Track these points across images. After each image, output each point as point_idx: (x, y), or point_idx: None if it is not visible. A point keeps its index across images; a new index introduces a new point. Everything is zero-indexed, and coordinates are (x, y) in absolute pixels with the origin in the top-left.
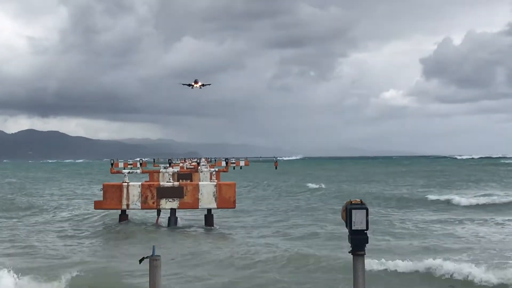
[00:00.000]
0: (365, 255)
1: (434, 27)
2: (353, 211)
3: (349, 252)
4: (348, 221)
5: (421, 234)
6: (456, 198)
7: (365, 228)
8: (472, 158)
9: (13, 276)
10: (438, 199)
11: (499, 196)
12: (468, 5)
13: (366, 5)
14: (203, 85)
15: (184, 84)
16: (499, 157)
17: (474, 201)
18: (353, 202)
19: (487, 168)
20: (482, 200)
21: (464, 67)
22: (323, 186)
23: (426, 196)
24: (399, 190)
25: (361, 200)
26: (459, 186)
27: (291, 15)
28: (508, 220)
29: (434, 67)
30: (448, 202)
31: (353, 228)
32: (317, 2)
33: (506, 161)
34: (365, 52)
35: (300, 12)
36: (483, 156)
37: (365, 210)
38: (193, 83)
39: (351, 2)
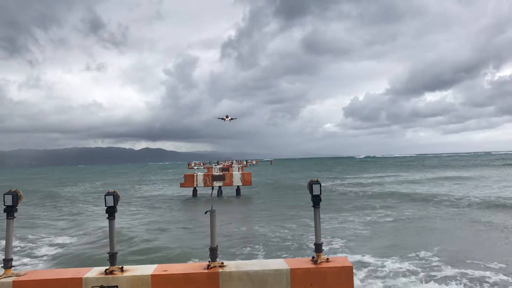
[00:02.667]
0: (319, 208)
1: (349, 91)
2: (313, 185)
3: (311, 206)
4: (310, 190)
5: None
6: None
7: (319, 193)
8: (367, 157)
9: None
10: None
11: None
12: (366, 80)
13: (314, 81)
14: (232, 119)
15: (219, 118)
16: (382, 157)
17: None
18: (313, 180)
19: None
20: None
21: (364, 111)
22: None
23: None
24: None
25: (317, 179)
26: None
27: (276, 88)
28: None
29: (349, 111)
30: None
31: (313, 194)
32: (289, 80)
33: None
34: (315, 105)
35: (280, 86)
36: (370, 155)
37: (319, 184)
38: (225, 117)
39: (307, 81)
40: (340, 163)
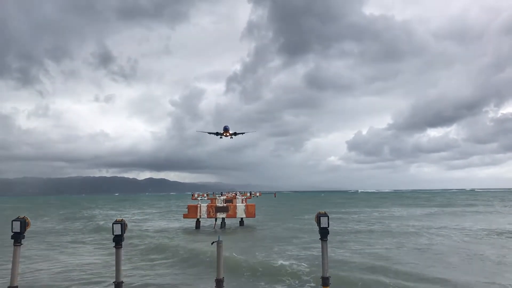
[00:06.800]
0: (327, 240)
1: (353, 125)
2: (321, 217)
3: (319, 239)
4: (318, 222)
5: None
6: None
7: (327, 226)
8: (372, 192)
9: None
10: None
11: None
12: (369, 114)
13: (318, 115)
14: (235, 133)
15: (211, 133)
16: (386, 191)
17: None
18: (320, 212)
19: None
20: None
21: (367, 145)
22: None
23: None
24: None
25: (325, 211)
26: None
27: (280, 120)
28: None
29: (353, 145)
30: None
31: (321, 226)
32: (293, 114)
33: (383, 194)
34: (319, 138)
35: (284, 119)
36: (376, 191)
37: (326, 217)
38: (222, 132)
39: (311, 114)
40: (342, 198)
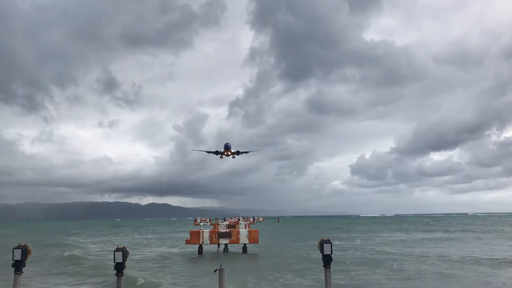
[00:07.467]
0: (330, 268)
1: (356, 149)
2: (324, 244)
3: (322, 266)
4: (321, 249)
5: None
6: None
7: (330, 253)
8: (373, 216)
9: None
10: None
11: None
12: (372, 138)
13: (320, 139)
14: (237, 152)
15: (209, 152)
16: (389, 216)
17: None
18: (323, 239)
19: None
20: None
21: (370, 169)
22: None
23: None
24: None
25: (328, 238)
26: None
27: (283, 145)
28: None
29: (356, 169)
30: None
31: (324, 253)
32: (296, 138)
33: (384, 219)
34: (322, 162)
35: (287, 143)
36: (378, 215)
37: (330, 244)
38: (222, 150)
39: (313, 138)
40: (340, 222)
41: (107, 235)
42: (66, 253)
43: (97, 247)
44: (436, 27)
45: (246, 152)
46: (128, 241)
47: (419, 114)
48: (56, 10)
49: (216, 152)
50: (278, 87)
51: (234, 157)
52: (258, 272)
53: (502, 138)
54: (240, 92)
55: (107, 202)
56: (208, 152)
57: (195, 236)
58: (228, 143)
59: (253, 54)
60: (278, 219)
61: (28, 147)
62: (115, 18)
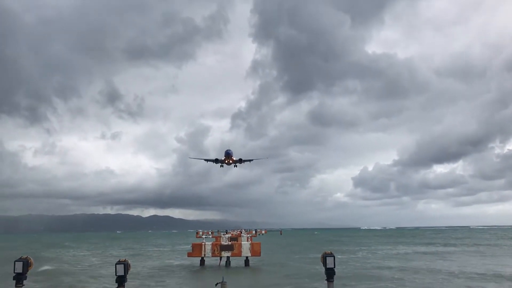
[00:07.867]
0: (333, 282)
1: (359, 161)
2: (327, 257)
3: (325, 280)
4: (324, 262)
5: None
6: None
7: (333, 267)
8: (373, 229)
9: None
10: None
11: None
12: (374, 150)
13: (323, 151)
14: (240, 161)
15: (208, 161)
16: (391, 229)
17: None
18: (326, 252)
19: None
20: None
21: (373, 182)
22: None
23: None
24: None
25: (330, 251)
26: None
27: (285, 157)
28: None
29: (359, 181)
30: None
31: (327, 267)
32: (298, 150)
33: (385, 232)
34: (325, 174)
35: (289, 155)
36: (381, 228)
37: (333, 257)
38: (223, 158)
39: (316, 151)
40: (338, 235)
41: (100, 248)
42: (40, 269)
43: (85, 260)
44: (438, 39)
45: (250, 161)
46: (125, 253)
47: (422, 127)
48: (61, 23)
49: (216, 160)
50: (280, 99)
51: (236, 166)
52: (260, 285)
53: (505, 151)
54: (242, 104)
55: (109, 214)
56: (207, 160)
57: (197, 249)
58: (229, 150)
59: (256, 67)
60: (280, 231)
61: (30, 159)
62: (119, 31)
